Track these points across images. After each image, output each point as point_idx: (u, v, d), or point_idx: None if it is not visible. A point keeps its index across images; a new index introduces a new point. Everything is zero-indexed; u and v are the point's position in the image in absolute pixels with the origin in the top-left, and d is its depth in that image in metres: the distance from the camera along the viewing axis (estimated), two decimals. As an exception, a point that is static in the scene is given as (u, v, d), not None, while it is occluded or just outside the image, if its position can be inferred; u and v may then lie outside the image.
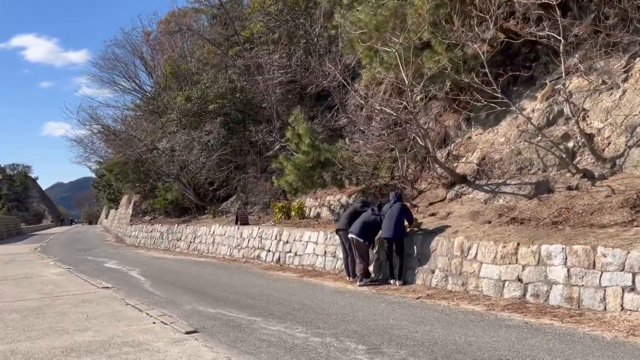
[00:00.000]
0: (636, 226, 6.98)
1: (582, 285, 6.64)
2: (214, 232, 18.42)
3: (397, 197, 9.97)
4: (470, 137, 12.44)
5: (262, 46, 21.78)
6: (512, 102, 11.01)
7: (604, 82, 9.64)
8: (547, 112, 10.45)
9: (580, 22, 10.89)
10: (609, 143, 9.19)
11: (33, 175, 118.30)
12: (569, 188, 9.07)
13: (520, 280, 7.45)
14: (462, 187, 10.90)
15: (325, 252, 12.04)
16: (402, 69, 10.93)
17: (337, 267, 11.44)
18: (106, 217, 65.55)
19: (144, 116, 26.02)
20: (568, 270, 6.86)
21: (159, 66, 29.18)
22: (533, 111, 10.80)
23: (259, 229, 15.55)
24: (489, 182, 10.48)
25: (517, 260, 7.59)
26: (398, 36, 11.97)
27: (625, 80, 9.48)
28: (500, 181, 10.26)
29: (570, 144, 9.70)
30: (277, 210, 17.87)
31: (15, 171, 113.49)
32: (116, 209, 47.72)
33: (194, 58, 27.31)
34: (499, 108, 11.02)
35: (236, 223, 17.63)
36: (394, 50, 11.21)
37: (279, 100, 20.55)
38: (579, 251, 6.80)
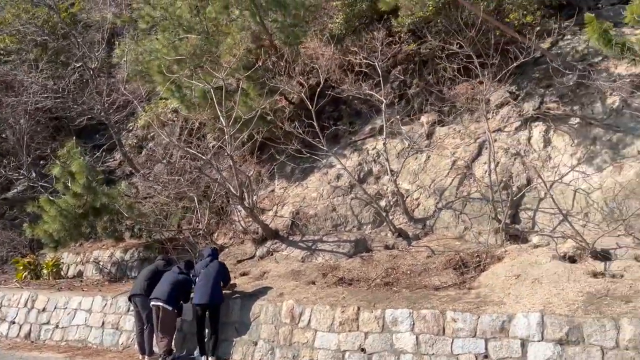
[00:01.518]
0: (469, 288, 7.07)
1: (433, 354, 6.28)
2: None
3: (213, 253, 8.48)
4: (273, 190, 11.78)
5: (18, 63, 17.86)
6: (320, 157, 10.86)
7: (410, 146, 10.13)
8: (357, 170, 10.47)
9: (382, 88, 11.53)
10: (419, 204, 9.54)
11: None
12: (387, 247, 9.01)
13: (363, 350, 6.77)
14: (275, 244, 10.02)
15: (103, 323, 9.55)
16: (216, 107, 9.73)
17: (120, 343, 9.12)
18: None
19: None
20: (417, 337, 6.45)
21: None
22: (344, 168, 10.74)
23: (-1, 293, 11.82)
24: (304, 239, 9.84)
25: (358, 327, 6.92)
26: (207, 73, 10.88)
27: (428, 145, 10.11)
28: (316, 238, 9.72)
29: (383, 203, 9.79)
30: (21, 267, 14.05)
31: None
32: None
33: None
34: (305, 164, 10.76)
35: (-45, 284, 13.22)
36: (208, 86, 9.96)
37: (33, 131, 16.82)
38: (428, 316, 6.48)
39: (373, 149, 10.67)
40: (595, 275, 6.52)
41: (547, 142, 8.86)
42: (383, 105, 9.16)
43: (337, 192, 10.27)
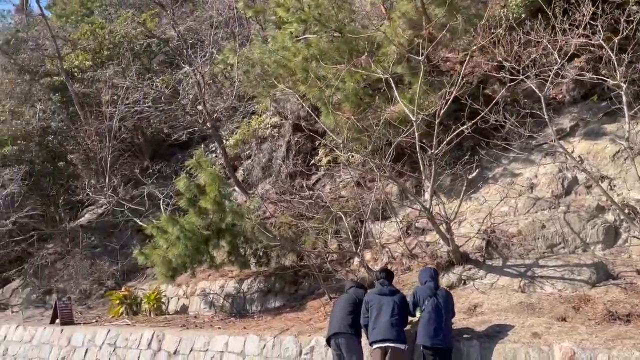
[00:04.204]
0: None
1: None
2: (5, 337, 11.64)
3: (434, 276, 6.53)
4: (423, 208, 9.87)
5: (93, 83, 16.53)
6: (490, 165, 9.00)
7: (629, 147, 8.21)
8: (559, 178, 8.57)
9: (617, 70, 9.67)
10: (663, 217, 7.56)
11: None
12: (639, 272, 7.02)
13: None
14: (468, 269, 8.05)
15: (265, 373, 7.62)
16: (407, 105, 7.87)
17: (295, 396, 7.17)
18: None
19: None
20: None
21: None
22: (536, 176, 8.85)
23: (108, 331, 9.96)
24: (509, 263, 7.87)
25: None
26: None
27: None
28: (528, 262, 7.74)
29: (609, 217, 7.84)
30: (116, 302, 12.23)
31: None
32: None
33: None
34: (472, 173, 8.70)
35: (52, 321, 11.40)
36: (382, 75, 8.21)
37: (118, 151, 15.29)
38: None
39: (572, 152, 8.77)
40: None
41: None
42: (623, 89, 7.24)
43: (539, 205, 8.34)
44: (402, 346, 5.92)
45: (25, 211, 13.76)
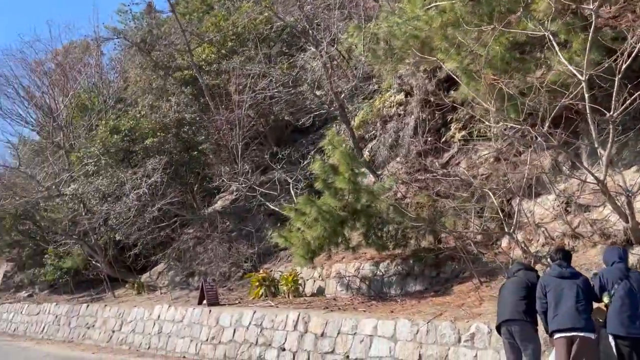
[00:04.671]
0: None
1: None
2: (159, 316, 12.47)
3: (624, 256, 5.69)
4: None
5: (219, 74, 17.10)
6: None
7: None
8: None
9: None
10: None
11: None
12: None
13: None
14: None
15: (420, 357, 7.23)
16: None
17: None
18: None
19: (41, 153, 19.23)
20: None
21: (58, 100, 22.62)
22: None
23: (254, 312, 10.19)
24: None
25: None
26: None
27: None
28: None
29: None
30: (256, 284, 12.56)
31: None
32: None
33: (109, 88, 21.55)
34: None
35: (200, 302, 11.98)
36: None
37: (246, 138, 15.67)
38: None
39: None
40: None
41: None
42: None
43: None
44: (592, 335, 5.20)
45: (170, 198, 14.59)
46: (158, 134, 15.93)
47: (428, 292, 9.60)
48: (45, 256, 20.07)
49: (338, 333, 8.42)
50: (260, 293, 12.36)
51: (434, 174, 11.25)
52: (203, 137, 16.66)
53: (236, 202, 16.64)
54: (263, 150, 16.09)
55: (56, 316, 16.61)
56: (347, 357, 8.08)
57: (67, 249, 18.80)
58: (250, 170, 15.47)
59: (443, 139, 12.73)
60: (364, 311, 8.92)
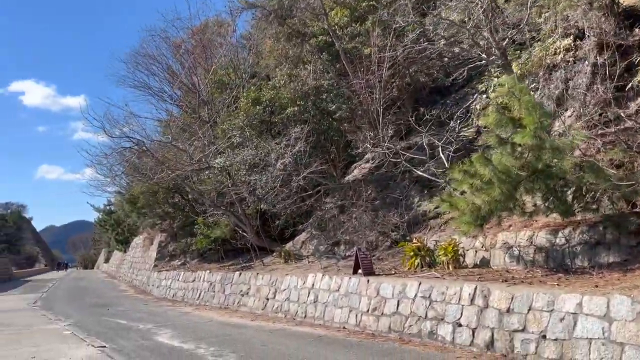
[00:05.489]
0: None
1: None
2: (313, 284, 12.29)
3: None
4: None
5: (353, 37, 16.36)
6: None
7: None
8: None
9: None
10: None
11: (27, 216, 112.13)
12: None
13: None
14: None
15: (647, 340, 6.00)
16: None
17: None
18: (106, 262, 58.65)
19: (187, 128, 20.16)
20: None
21: (199, 76, 23.52)
22: None
23: (419, 284, 9.46)
24: None
25: None
26: None
27: None
28: None
29: None
30: (410, 253, 11.84)
31: (9, 210, 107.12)
32: (124, 251, 41.23)
33: (246, 62, 21.83)
34: None
35: (355, 272, 11.56)
36: None
37: (388, 100, 14.81)
38: None
39: None
40: None
41: None
42: None
43: None
44: None
45: (315, 167, 14.31)
46: (298, 102, 15.68)
47: (631, 263, 8.13)
48: (195, 227, 21.20)
49: (529, 309, 7.37)
50: (415, 263, 11.64)
51: (626, 127, 9.57)
52: (341, 102, 16.11)
53: (377, 170, 15.96)
54: (400, 116, 15.17)
55: (210, 283, 17.38)
56: (544, 336, 7.02)
57: (215, 219, 19.61)
58: (392, 135, 14.67)
59: (629, 86, 10.91)
60: (557, 285, 7.73)
